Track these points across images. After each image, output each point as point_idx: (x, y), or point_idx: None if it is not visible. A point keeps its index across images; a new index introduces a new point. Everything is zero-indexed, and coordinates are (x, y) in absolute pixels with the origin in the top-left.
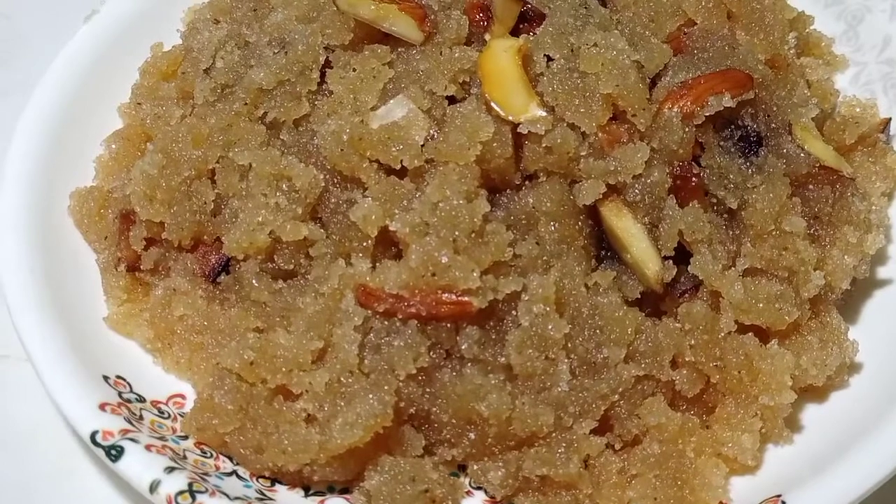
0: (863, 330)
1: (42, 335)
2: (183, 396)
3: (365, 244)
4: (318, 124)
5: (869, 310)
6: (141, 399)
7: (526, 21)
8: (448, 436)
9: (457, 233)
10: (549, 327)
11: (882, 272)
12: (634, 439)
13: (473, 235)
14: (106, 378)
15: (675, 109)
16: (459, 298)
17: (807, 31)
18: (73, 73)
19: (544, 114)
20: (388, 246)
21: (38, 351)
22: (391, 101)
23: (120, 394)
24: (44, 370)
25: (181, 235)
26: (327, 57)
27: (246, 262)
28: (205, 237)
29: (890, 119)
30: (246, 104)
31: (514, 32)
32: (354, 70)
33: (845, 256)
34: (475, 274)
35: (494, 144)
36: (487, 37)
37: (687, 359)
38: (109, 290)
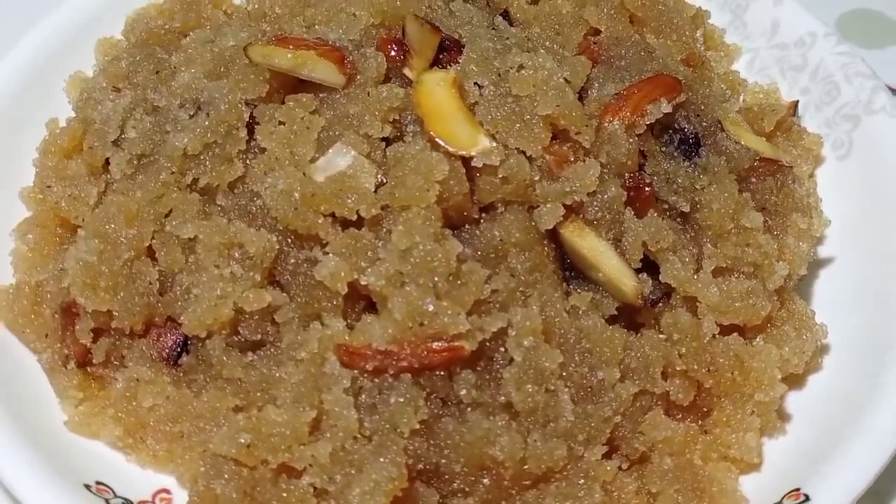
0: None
1: (9, 457)
2: (168, 491)
3: (334, 302)
4: (257, 184)
5: (819, 289)
6: (128, 502)
7: (445, 51)
8: (461, 486)
9: (436, 278)
10: (543, 359)
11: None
12: (641, 456)
13: (451, 278)
14: (87, 487)
15: (616, 122)
16: (451, 344)
17: (705, 25)
18: None
19: (494, 144)
20: (354, 301)
21: (10, 474)
22: (330, 151)
23: (107, 501)
24: (24, 495)
25: (133, 321)
26: (251, 112)
27: (210, 339)
28: (155, 319)
29: (797, 101)
30: (173, 172)
31: (434, 63)
32: (282, 123)
33: (800, 243)
34: (463, 317)
35: (451, 182)
36: (407, 71)
37: (678, 368)
38: (63, 392)
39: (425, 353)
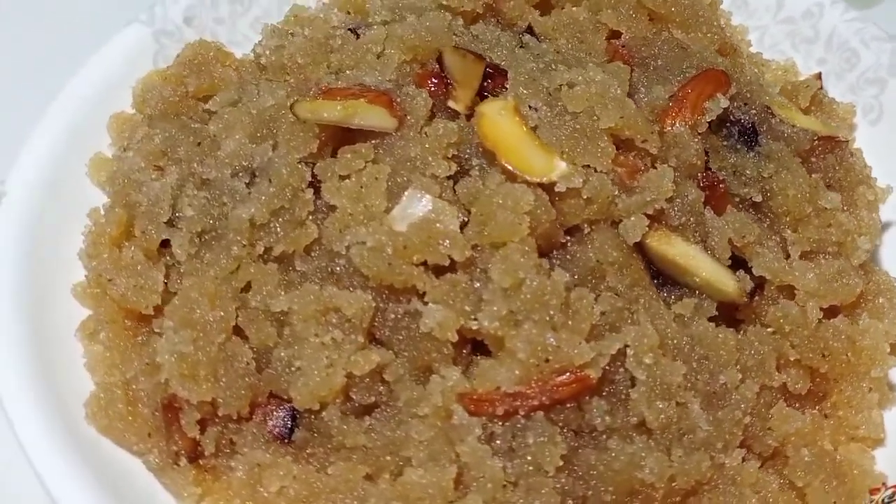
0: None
1: None
2: None
3: (444, 352)
4: (336, 244)
5: (884, 256)
6: None
7: (488, 78)
8: None
9: (550, 311)
10: (667, 373)
11: None
12: (773, 452)
13: (563, 307)
14: None
15: (678, 124)
16: (577, 375)
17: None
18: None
19: (572, 166)
20: (461, 346)
21: None
22: (404, 198)
23: None
24: None
25: (240, 406)
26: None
27: (325, 409)
28: (259, 398)
29: (820, 73)
30: (244, 245)
31: (479, 92)
32: (345, 177)
33: (873, 214)
34: (585, 346)
35: (539, 211)
36: (452, 104)
37: (791, 358)
38: (180, 490)
39: (555, 387)
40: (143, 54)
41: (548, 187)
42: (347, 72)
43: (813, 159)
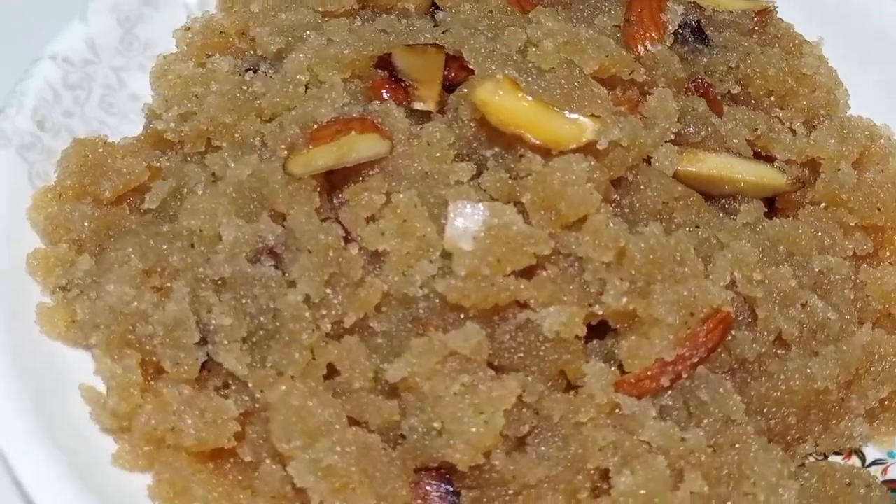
0: None
1: None
2: None
3: (574, 349)
4: (409, 288)
5: None
6: None
7: (446, 66)
8: (797, 434)
9: (667, 266)
10: (780, 281)
11: None
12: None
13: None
14: None
15: (649, 45)
16: (719, 316)
17: None
18: None
19: (596, 123)
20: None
21: None
22: (450, 216)
23: None
24: None
25: (406, 497)
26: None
27: (488, 458)
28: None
29: None
30: (314, 330)
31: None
32: (371, 219)
33: (829, 66)
34: (714, 287)
35: (595, 175)
36: (419, 105)
37: (852, 224)
38: None
39: (705, 336)
40: (15, 178)
41: (584, 149)
42: (292, 112)
43: (755, 36)
